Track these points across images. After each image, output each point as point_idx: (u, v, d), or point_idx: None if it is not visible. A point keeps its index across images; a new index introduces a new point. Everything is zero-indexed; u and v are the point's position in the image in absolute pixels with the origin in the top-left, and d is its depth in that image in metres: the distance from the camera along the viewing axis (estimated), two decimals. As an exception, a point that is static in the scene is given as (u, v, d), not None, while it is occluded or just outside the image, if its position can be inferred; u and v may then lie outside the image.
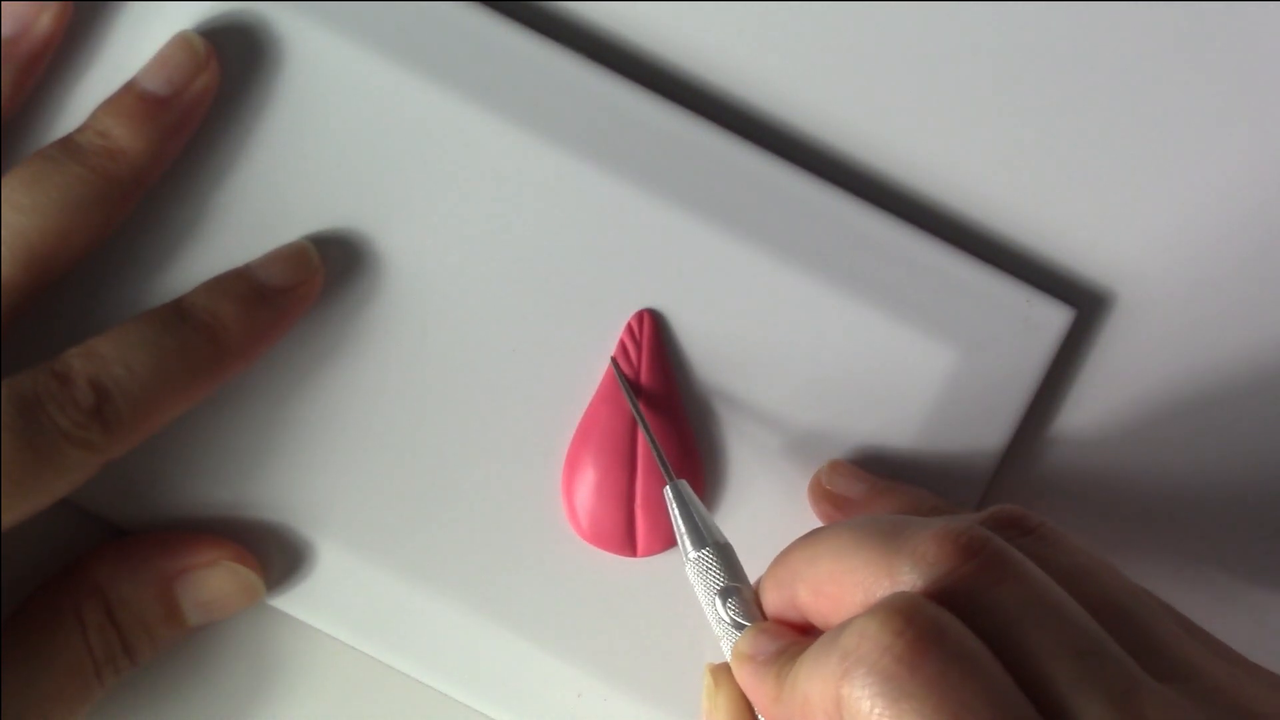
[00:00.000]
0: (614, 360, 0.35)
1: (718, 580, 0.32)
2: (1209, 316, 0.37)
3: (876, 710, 0.25)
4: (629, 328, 0.36)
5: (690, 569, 0.32)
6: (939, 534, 0.27)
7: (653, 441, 0.34)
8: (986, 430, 0.36)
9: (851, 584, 0.28)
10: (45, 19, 0.33)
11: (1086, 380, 0.37)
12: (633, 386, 0.35)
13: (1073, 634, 0.26)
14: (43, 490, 0.30)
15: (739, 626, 0.31)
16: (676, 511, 0.33)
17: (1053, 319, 0.36)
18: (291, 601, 0.36)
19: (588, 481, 0.35)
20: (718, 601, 0.32)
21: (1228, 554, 0.38)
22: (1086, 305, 0.37)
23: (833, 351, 0.36)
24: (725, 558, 0.32)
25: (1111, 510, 0.37)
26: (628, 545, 0.36)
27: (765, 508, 0.36)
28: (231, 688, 0.36)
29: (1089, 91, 0.37)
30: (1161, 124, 0.37)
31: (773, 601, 0.31)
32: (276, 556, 0.35)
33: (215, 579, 0.34)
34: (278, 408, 0.35)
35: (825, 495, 0.35)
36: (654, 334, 0.36)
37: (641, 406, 0.35)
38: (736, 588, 0.32)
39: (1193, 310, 0.37)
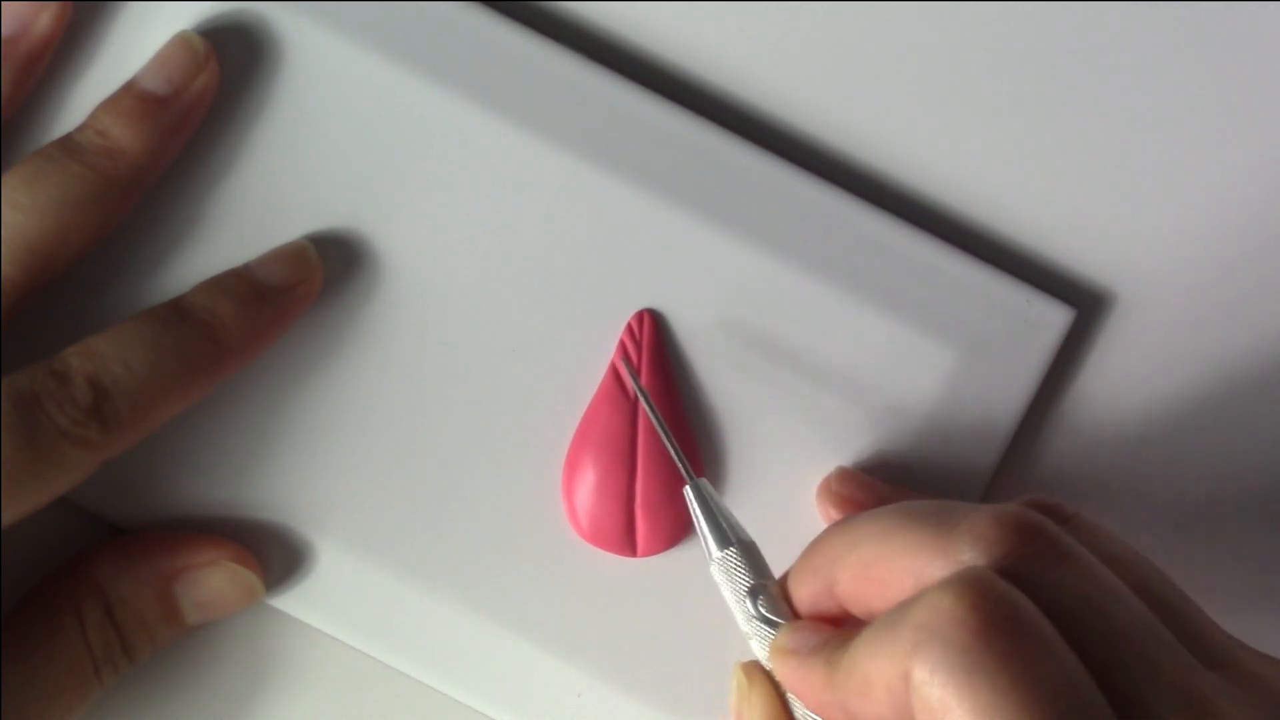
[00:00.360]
0: (626, 360, 0.35)
1: (746, 579, 0.31)
2: (1209, 316, 0.37)
3: (950, 685, 0.24)
4: (629, 328, 0.36)
5: (716, 569, 0.32)
6: (996, 516, 0.27)
7: (669, 439, 0.34)
8: (986, 430, 0.36)
9: (901, 567, 0.28)
10: (45, 19, 0.33)
11: (1087, 380, 0.37)
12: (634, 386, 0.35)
13: (1132, 620, 0.26)
14: (41, 488, 0.30)
15: (770, 624, 0.31)
16: (699, 511, 0.33)
17: (1053, 319, 0.36)
18: (291, 601, 0.36)
19: (588, 481, 0.35)
20: (748, 600, 0.31)
21: (1228, 554, 0.38)
22: (1087, 305, 0.37)
23: (833, 351, 0.36)
24: (750, 555, 0.32)
25: (1111, 510, 0.37)
26: (628, 545, 0.36)
27: (765, 508, 0.36)
28: (231, 687, 0.36)
29: (1090, 91, 0.37)
30: (1162, 123, 0.37)
31: (804, 595, 0.31)
32: (276, 556, 0.35)
33: (214, 579, 0.34)
34: (277, 407, 0.35)
35: (833, 498, 0.35)
36: (654, 334, 0.36)
37: (641, 406, 0.35)
38: (764, 585, 0.31)
39: (1193, 310, 0.37)
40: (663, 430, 0.34)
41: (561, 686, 0.36)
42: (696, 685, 0.36)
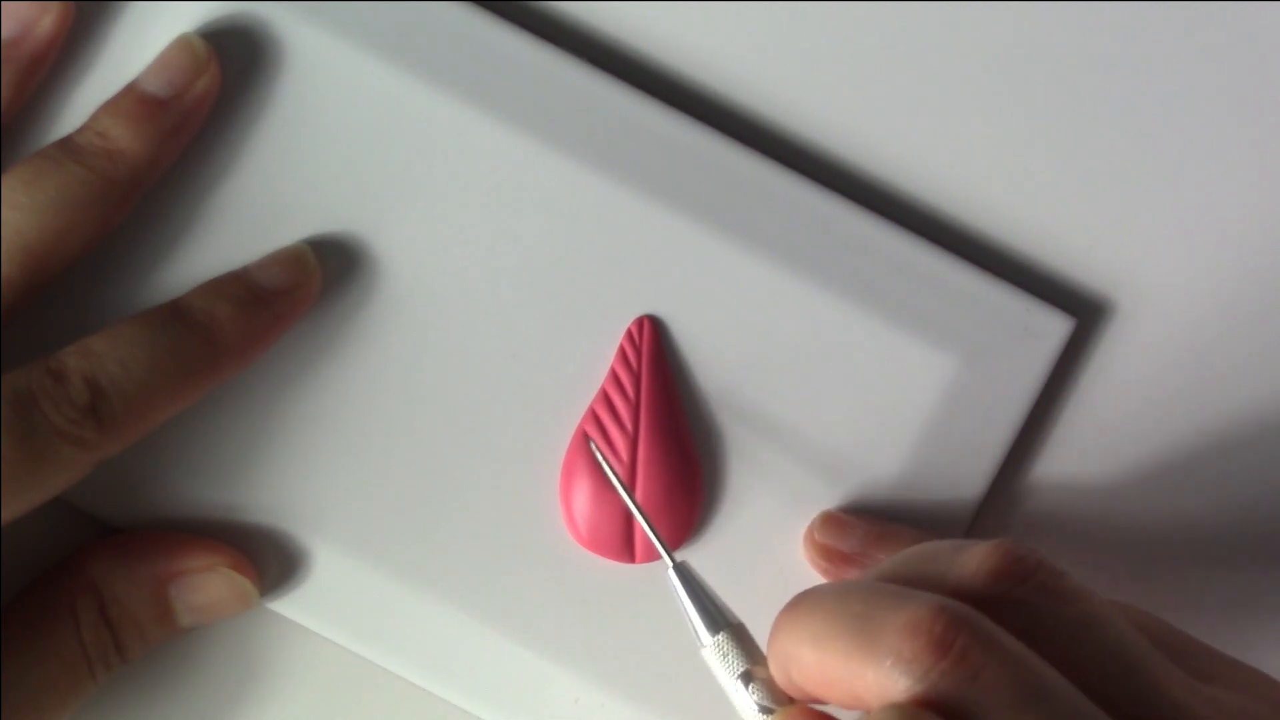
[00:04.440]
0: (589, 438, 0.35)
1: (738, 664, 0.31)
2: (1210, 324, 0.37)
3: None
4: (629, 334, 0.36)
5: (707, 655, 0.31)
6: (911, 628, 0.27)
7: (645, 522, 0.34)
8: (985, 438, 0.36)
9: (837, 676, 0.28)
10: (47, 21, 0.33)
11: (1086, 389, 0.37)
12: (633, 389, 0.35)
13: (1055, 715, 0.26)
14: (37, 487, 0.30)
15: (765, 710, 0.30)
16: (685, 596, 0.32)
17: (1052, 328, 0.36)
18: (288, 604, 0.35)
19: (586, 487, 0.35)
20: (740, 686, 0.31)
21: (1229, 566, 0.38)
22: (1086, 314, 0.37)
23: (832, 358, 0.36)
24: (741, 639, 0.31)
25: (1109, 518, 0.37)
26: (626, 552, 0.36)
27: (764, 513, 0.36)
28: (226, 687, 0.36)
29: (1091, 99, 0.37)
30: (1164, 132, 0.37)
31: (781, 681, 0.30)
32: (272, 558, 0.35)
33: (210, 584, 0.34)
34: (274, 410, 0.35)
35: (818, 549, 0.35)
36: (654, 340, 0.36)
37: (641, 413, 0.35)
38: (755, 670, 0.31)
39: (1194, 318, 0.37)
40: (638, 511, 0.34)
41: (558, 692, 0.36)
42: (694, 692, 0.35)
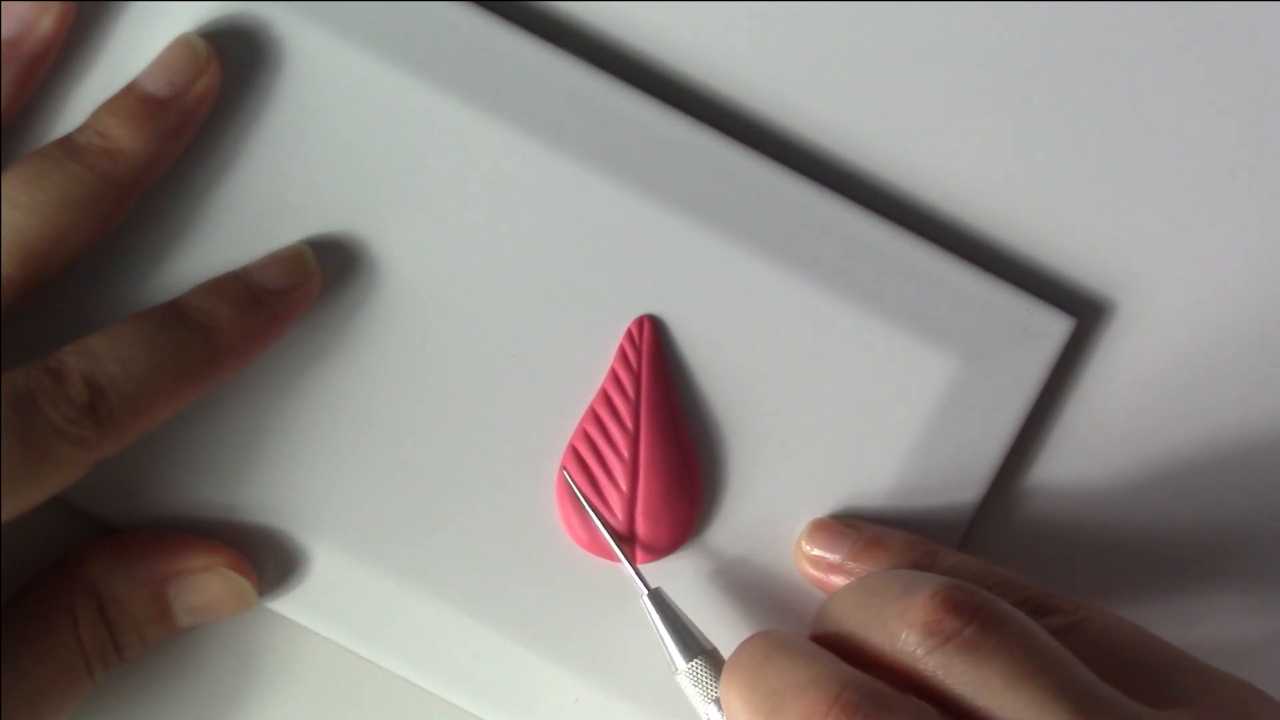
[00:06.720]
0: (564, 469, 0.35)
1: (712, 689, 0.32)
2: (1211, 325, 0.37)
3: None
4: (629, 334, 0.36)
5: (683, 680, 0.33)
6: (809, 710, 0.28)
7: (621, 553, 0.34)
8: (985, 438, 0.36)
9: None
10: (47, 20, 0.33)
11: (1086, 390, 0.37)
12: (633, 389, 0.35)
13: None
14: (35, 486, 0.30)
15: None
16: (660, 622, 0.33)
17: (1052, 328, 0.36)
18: (288, 604, 0.36)
19: (585, 489, 0.35)
20: (713, 710, 0.32)
21: (1230, 565, 0.38)
22: (1086, 314, 0.37)
23: (832, 358, 0.36)
24: (715, 665, 0.33)
25: (1109, 518, 0.37)
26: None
27: (764, 512, 0.36)
28: (226, 687, 0.36)
29: (1091, 98, 0.37)
30: (1165, 131, 0.37)
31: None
32: (271, 557, 0.35)
33: (209, 584, 0.34)
34: (274, 410, 0.35)
35: (808, 559, 0.35)
36: (654, 340, 0.36)
37: (641, 413, 0.35)
38: None
39: (1194, 319, 0.37)
40: (617, 548, 0.34)
41: (558, 692, 0.36)
42: (693, 692, 0.35)
